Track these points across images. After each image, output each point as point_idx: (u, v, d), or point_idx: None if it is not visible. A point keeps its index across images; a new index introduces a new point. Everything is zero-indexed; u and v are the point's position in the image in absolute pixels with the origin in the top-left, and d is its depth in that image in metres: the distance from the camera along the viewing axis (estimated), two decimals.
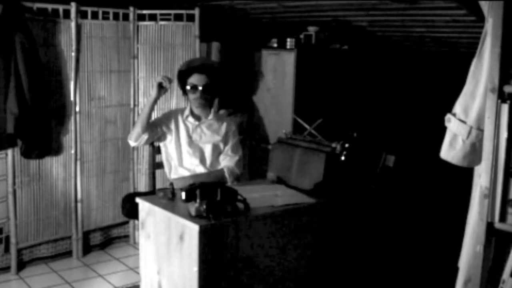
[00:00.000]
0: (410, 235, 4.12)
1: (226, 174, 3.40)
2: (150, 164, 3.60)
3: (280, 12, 4.43)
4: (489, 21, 2.16)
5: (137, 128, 3.37)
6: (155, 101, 3.37)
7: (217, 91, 3.55)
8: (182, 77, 3.50)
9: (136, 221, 4.20)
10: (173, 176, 3.48)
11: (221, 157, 3.49)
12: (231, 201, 2.59)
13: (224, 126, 3.53)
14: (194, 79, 3.44)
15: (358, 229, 3.14)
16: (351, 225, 3.10)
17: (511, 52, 2.11)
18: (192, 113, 3.50)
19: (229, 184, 3.32)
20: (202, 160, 3.45)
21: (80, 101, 4.04)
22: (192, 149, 3.44)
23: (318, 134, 3.34)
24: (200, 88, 3.42)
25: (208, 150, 3.46)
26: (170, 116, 3.51)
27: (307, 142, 3.16)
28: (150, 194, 3.21)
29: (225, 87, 3.67)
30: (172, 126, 3.46)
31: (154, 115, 4.24)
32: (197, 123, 3.49)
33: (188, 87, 3.46)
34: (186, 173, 3.41)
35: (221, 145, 3.50)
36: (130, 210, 3.28)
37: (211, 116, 3.52)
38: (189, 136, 3.46)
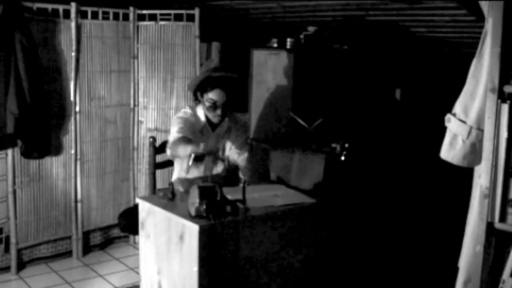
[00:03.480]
0: (410, 235, 4.11)
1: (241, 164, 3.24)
2: (150, 164, 3.59)
3: (280, 12, 4.43)
4: (489, 21, 2.16)
5: (188, 152, 3.01)
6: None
7: (233, 103, 3.34)
8: (202, 86, 3.29)
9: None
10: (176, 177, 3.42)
11: (230, 153, 3.35)
12: (231, 201, 2.59)
13: (235, 127, 3.39)
14: (215, 95, 3.23)
15: (358, 229, 3.15)
16: (351, 225, 3.10)
17: (511, 52, 2.11)
18: (208, 120, 3.33)
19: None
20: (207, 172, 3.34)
21: (80, 101, 4.04)
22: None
23: (298, 117, 3.15)
24: (220, 106, 3.24)
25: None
26: (194, 132, 3.30)
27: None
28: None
29: (238, 97, 3.50)
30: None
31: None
32: (212, 133, 3.34)
33: (207, 103, 3.26)
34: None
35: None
36: (127, 226, 3.30)
37: (225, 120, 3.35)
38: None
